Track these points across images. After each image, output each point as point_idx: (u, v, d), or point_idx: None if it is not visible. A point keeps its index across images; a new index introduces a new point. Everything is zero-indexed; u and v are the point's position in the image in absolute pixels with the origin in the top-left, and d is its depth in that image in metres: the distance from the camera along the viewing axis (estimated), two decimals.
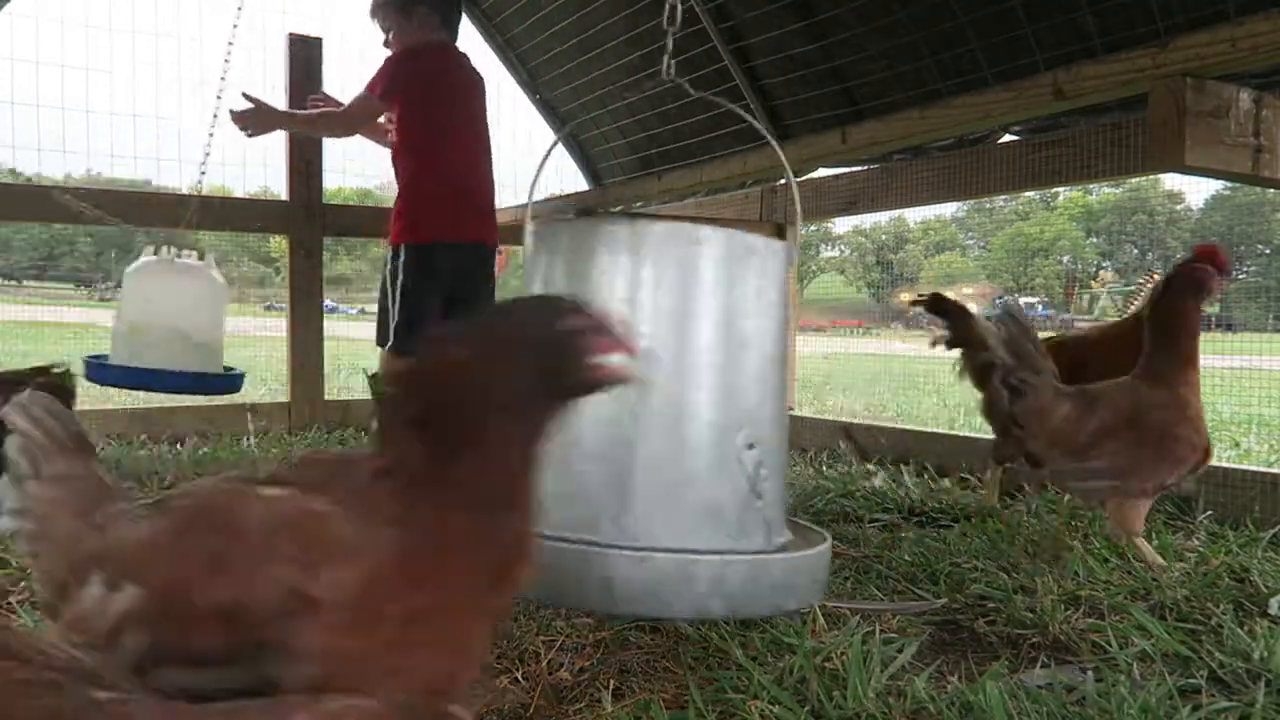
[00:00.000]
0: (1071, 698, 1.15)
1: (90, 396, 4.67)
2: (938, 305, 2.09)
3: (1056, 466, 1.81)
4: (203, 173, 2.92)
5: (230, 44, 2.93)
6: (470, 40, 4.37)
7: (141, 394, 2.98)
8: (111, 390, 4.77)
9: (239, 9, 2.97)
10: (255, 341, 8.82)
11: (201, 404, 3.32)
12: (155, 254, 2.65)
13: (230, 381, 2.82)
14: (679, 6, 1.46)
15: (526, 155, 5.33)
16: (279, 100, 3.62)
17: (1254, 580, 1.62)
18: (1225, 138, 1.65)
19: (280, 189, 3.69)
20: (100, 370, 2.68)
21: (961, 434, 2.84)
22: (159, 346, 2.62)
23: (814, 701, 1.12)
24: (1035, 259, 46.32)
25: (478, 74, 2.97)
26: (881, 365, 8.43)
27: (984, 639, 1.42)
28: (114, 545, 0.76)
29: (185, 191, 3.12)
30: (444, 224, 2.77)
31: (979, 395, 1.97)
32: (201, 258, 2.71)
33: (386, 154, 2.99)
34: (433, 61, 2.84)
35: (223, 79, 2.90)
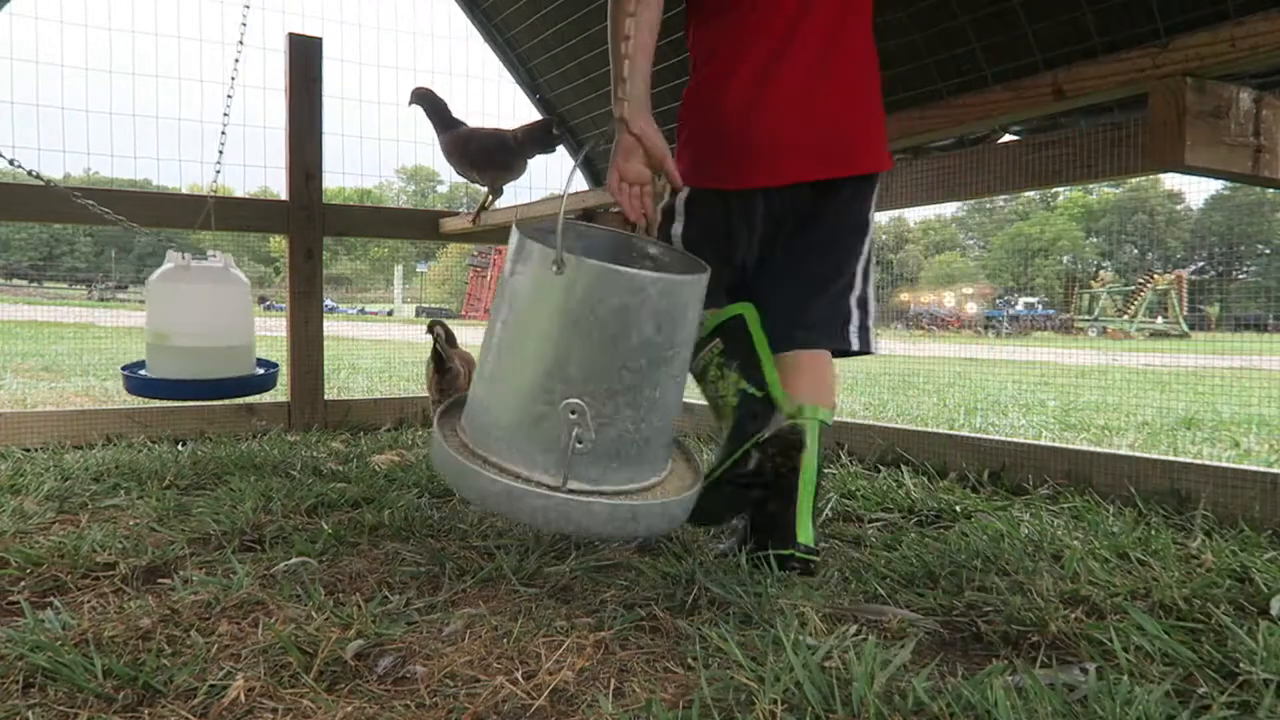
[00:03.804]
0: (1073, 697, 1.15)
1: (90, 397, 4.67)
2: None
3: None
4: (217, 172, 2.94)
5: (240, 44, 2.94)
6: (470, 40, 4.38)
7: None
8: (111, 390, 4.79)
9: (246, 7, 2.98)
10: (255, 341, 8.79)
11: (201, 404, 3.32)
12: (182, 259, 2.66)
13: (265, 380, 2.84)
14: None
15: None
16: (279, 100, 3.62)
17: (1254, 580, 1.62)
18: (1225, 138, 1.65)
19: (280, 189, 3.70)
20: (143, 384, 2.69)
21: (961, 434, 2.84)
22: (188, 355, 2.64)
23: (815, 702, 1.12)
24: (1035, 259, 46.41)
25: None
26: (881, 365, 8.43)
27: (984, 639, 1.42)
28: None
29: (186, 191, 3.12)
30: None
31: None
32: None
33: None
34: None
35: (233, 78, 2.92)
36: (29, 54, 3.75)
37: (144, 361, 2.80)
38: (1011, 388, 6.72)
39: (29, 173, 2.61)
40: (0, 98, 3.64)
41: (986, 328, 27.41)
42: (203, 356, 2.65)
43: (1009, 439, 2.77)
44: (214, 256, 2.71)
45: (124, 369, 2.80)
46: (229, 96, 2.90)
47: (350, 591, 1.59)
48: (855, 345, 1.89)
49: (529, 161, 3.46)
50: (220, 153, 2.90)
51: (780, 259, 1.89)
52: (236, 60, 2.94)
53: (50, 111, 3.70)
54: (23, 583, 1.60)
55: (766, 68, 1.79)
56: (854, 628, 1.38)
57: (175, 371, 2.64)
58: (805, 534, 1.72)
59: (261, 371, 2.85)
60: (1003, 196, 33.89)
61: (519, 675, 1.24)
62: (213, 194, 3.08)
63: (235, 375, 2.70)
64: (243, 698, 1.16)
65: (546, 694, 1.19)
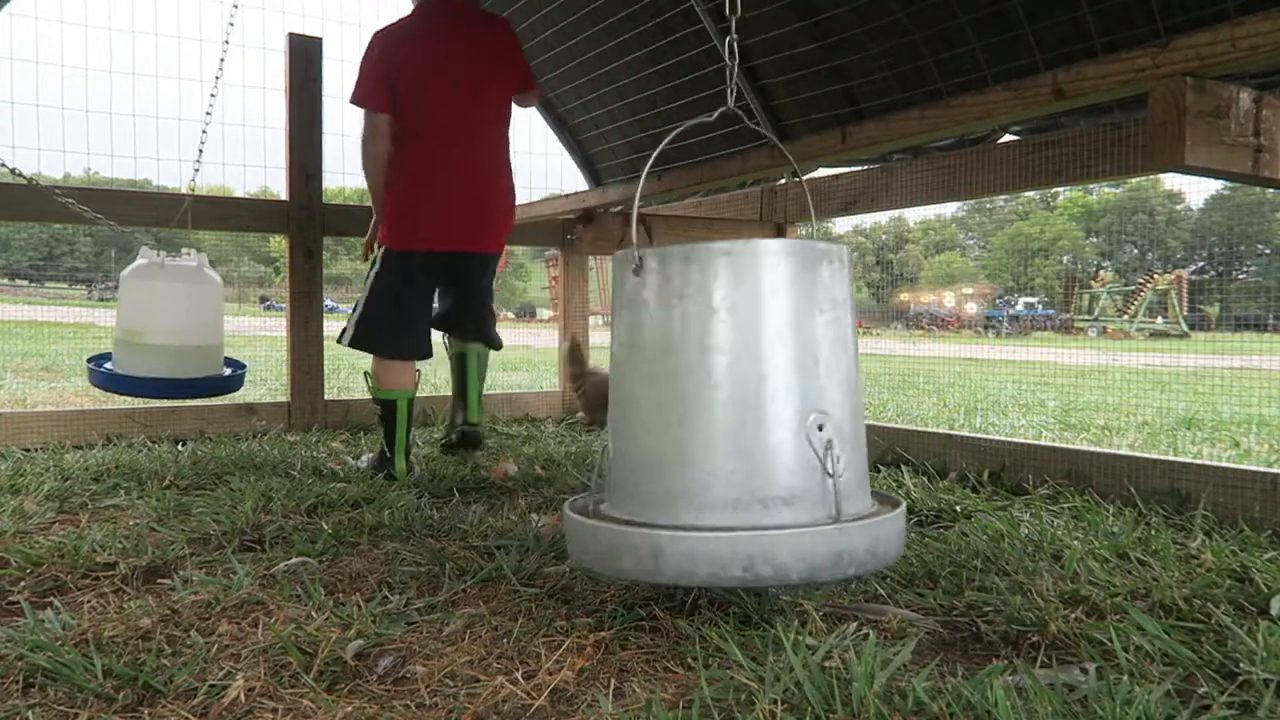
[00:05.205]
0: (1073, 697, 1.15)
1: (90, 397, 4.67)
2: None
3: None
4: (196, 170, 2.93)
5: (226, 43, 2.94)
6: None
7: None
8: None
9: (235, 8, 2.97)
10: (255, 341, 8.82)
11: (201, 404, 3.33)
12: (156, 256, 2.65)
13: (232, 381, 2.82)
14: (735, 39, 1.54)
15: (526, 155, 5.33)
16: (279, 100, 3.62)
17: (1254, 580, 1.62)
18: (1225, 138, 1.65)
19: (280, 189, 3.70)
20: (112, 379, 2.67)
21: (961, 434, 2.83)
22: (158, 353, 2.63)
23: (815, 702, 1.12)
24: (1035, 259, 46.43)
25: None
26: (881, 365, 8.43)
27: (984, 639, 1.42)
28: None
29: (181, 190, 3.13)
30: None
31: None
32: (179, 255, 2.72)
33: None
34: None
35: (217, 78, 2.91)
36: (29, 54, 3.75)
37: (109, 354, 2.77)
38: (1011, 388, 6.72)
39: (11, 171, 2.60)
40: (0, 98, 3.65)
41: (986, 328, 27.41)
42: (173, 355, 2.63)
43: (1009, 439, 2.77)
44: (188, 255, 2.70)
45: (89, 361, 2.77)
46: (212, 95, 2.89)
47: (350, 591, 1.59)
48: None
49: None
50: (200, 151, 2.89)
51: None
52: (222, 60, 2.93)
53: (50, 111, 3.70)
54: (23, 583, 1.60)
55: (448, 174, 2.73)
56: (854, 627, 1.38)
57: (145, 369, 2.62)
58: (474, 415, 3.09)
59: (228, 372, 2.84)
60: (1003, 196, 33.91)
61: (519, 675, 1.24)
62: (190, 192, 3.06)
63: (204, 375, 2.69)
64: (243, 698, 1.16)
65: (546, 694, 1.19)
